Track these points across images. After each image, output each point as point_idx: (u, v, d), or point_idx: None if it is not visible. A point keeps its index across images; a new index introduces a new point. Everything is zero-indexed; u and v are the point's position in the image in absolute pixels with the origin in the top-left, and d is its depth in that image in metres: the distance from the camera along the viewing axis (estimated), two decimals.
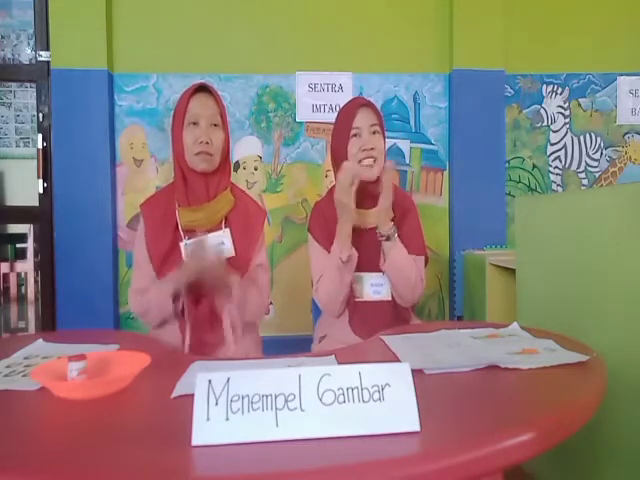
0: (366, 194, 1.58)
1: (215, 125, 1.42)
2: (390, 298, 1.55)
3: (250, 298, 1.43)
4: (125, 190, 2.32)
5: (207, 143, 1.39)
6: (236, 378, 0.61)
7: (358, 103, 1.58)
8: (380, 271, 1.55)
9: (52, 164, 2.27)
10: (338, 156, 1.59)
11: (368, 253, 1.54)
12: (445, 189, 2.44)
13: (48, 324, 2.33)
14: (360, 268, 1.54)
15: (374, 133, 1.55)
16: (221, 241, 1.43)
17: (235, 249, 1.45)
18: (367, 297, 1.54)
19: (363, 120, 1.54)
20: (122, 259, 2.33)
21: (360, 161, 1.54)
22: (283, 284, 2.35)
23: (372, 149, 1.53)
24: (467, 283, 2.26)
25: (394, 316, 1.55)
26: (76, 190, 2.23)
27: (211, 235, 1.43)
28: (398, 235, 1.55)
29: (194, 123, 1.40)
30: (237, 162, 2.34)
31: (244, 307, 1.41)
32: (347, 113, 1.57)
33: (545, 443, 0.62)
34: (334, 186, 1.71)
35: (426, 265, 1.62)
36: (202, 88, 1.43)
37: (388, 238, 1.49)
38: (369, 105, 1.57)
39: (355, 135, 1.55)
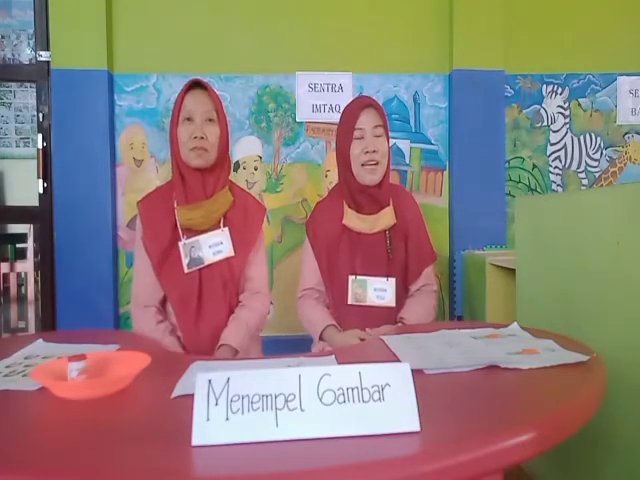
0: (370, 198, 1.57)
1: (210, 120, 1.41)
2: (394, 305, 1.53)
3: (252, 334, 1.48)
4: (125, 190, 2.32)
5: (202, 138, 1.38)
6: (236, 378, 0.61)
7: (362, 103, 1.56)
8: (384, 276, 1.53)
9: (52, 164, 2.26)
10: (341, 156, 1.58)
11: (372, 257, 1.53)
12: (445, 189, 2.44)
13: (48, 324, 2.33)
14: (364, 272, 1.53)
15: (378, 135, 1.53)
16: (220, 241, 1.43)
17: (234, 248, 1.44)
18: (370, 302, 1.51)
19: (367, 121, 1.52)
20: (122, 259, 2.33)
21: (363, 165, 1.53)
22: (283, 284, 2.35)
23: (375, 152, 1.51)
24: (467, 283, 2.26)
25: (397, 322, 1.55)
26: (76, 190, 2.23)
27: (210, 234, 1.43)
28: (406, 245, 1.57)
29: (188, 119, 1.40)
30: (237, 162, 2.33)
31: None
32: (351, 113, 1.55)
33: (545, 443, 0.62)
34: (335, 186, 1.71)
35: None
36: (197, 84, 1.43)
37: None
38: (373, 105, 1.55)
39: (358, 136, 1.54)
